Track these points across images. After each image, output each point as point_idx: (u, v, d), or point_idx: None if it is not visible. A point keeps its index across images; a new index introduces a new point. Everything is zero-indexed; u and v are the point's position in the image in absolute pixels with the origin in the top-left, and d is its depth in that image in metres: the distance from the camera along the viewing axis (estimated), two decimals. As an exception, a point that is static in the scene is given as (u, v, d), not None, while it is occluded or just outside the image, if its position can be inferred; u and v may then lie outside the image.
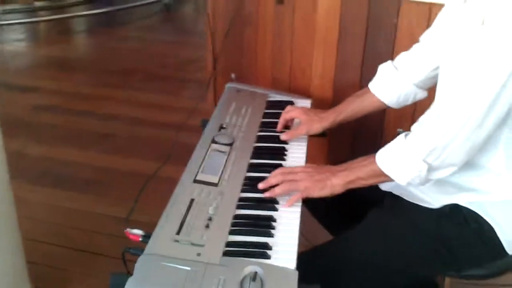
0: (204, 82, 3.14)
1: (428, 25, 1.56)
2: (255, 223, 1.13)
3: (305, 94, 1.82)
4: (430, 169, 1.07)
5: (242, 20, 2.00)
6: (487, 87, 0.98)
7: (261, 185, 1.22)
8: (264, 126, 1.53)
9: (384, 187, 1.32)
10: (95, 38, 4.84)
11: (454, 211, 1.16)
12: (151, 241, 1.04)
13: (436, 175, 1.09)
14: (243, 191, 1.23)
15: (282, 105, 1.64)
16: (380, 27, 1.68)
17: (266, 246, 1.06)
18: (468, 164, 1.10)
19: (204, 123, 1.71)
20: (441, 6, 1.51)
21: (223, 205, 1.16)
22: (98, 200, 2.39)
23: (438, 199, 1.18)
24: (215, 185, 1.23)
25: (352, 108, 1.44)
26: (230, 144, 1.40)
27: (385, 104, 1.42)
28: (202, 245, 1.04)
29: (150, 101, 3.43)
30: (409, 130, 1.67)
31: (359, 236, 1.21)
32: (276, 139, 1.46)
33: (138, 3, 5.25)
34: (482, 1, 1.01)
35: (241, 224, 1.12)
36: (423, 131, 1.08)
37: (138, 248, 1.05)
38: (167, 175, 2.15)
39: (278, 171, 1.24)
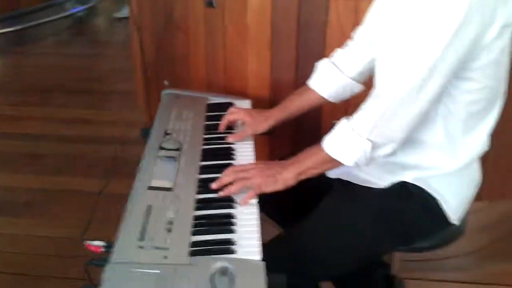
0: (128, 93, 3.15)
1: (355, 20, 1.66)
2: (216, 222, 1.15)
3: (242, 95, 1.85)
4: (373, 146, 1.14)
5: (171, 25, 2.01)
6: (418, 65, 1.05)
7: (214, 185, 1.24)
8: (208, 129, 1.55)
9: (332, 174, 1.37)
10: (7, 58, 4.64)
11: (401, 188, 1.23)
12: (115, 250, 1.03)
13: (379, 153, 1.16)
14: (198, 193, 1.24)
15: (222, 107, 1.67)
16: (311, 24, 1.74)
17: (230, 242, 1.09)
18: (410, 142, 1.18)
19: (145, 132, 1.71)
20: (367, 1, 1.60)
21: (181, 208, 1.17)
22: (37, 223, 2.31)
23: (385, 179, 1.25)
24: (170, 189, 1.23)
25: (295, 105, 1.50)
26: (178, 149, 1.41)
27: (325, 99, 1.48)
28: (167, 248, 1.05)
29: (74, 116, 3.34)
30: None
31: (317, 222, 1.26)
32: (223, 140, 1.49)
33: (48, 18, 5.08)
34: None
35: (202, 224, 1.14)
36: (364, 111, 1.15)
37: (101, 259, 1.04)
38: (109, 191, 2.14)
39: (229, 170, 1.27)
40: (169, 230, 1.10)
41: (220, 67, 1.94)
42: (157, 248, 1.05)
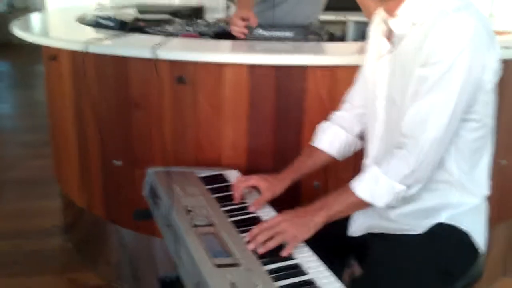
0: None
1: (333, 87, 1.81)
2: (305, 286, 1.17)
3: (216, 165, 1.87)
4: (406, 190, 1.29)
5: (128, 103, 1.98)
6: (443, 111, 1.23)
7: (251, 246, 1.29)
8: (221, 201, 1.55)
9: (357, 231, 1.48)
10: None
11: (438, 230, 1.36)
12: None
13: (409, 193, 1.31)
14: (264, 264, 1.24)
15: (217, 179, 1.69)
16: (289, 92, 1.85)
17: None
18: (432, 184, 1.34)
19: (140, 214, 1.65)
20: (344, 67, 1.78)
21: (263, 281, 1.16)
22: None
23: (420, 225, 1.38)
24: (238, 265, 1.22)
25: (307, 166, 1.59)
26: (212, 225, 1.39)
27: (333, 158, 1.59)
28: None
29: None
30: (322, 182, 1.89)
31: (380, 277, 1.34)
32: (243, 210, 1.50)
33: None
34: (410, 51, 1.28)
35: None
36: (398, 159, 1.29)
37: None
38: None
39: (258, 228, 1.32)
40: (268, 303, 1.09)
41: (190, 141, 1.95)
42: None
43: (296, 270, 1.24)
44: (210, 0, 3.34)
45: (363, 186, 1.32)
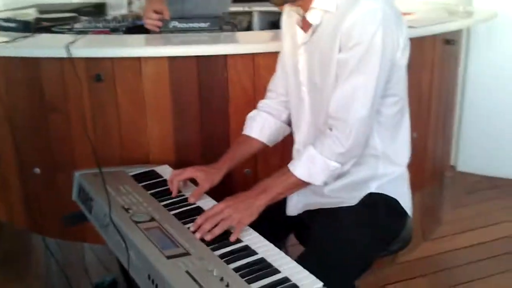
0: None
1: (254, 74, 1.84)
2: (257, 268, 1.18)
3: (143, 163, 1.85)
4: (342, 166, 1.37)
5: (44, 108, 1.89)
6: (368, 90, 1.30)
7: (198, 235, 1.30)
8: (158, 197, 1.53)
9: (295, 210, 1.53)
10: None
11: (369, 199, 1.44)
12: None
13: (345, 169, 1.39)
14: (214, 249, 1.25)
15: (150, 175, 1.67)
16: (212, 83, 1.85)
17: (287, 279, 1.14)
18: (361, 158, 1.41)
19: (71, 219, 1.61)
20: (264, 54, 1.81)
21: (217, 266, 1.17)
22: None
23: (354, 197, 1.45)
24: (188, 254, 1.22)
25: (241, 154, 1.61)
26: (153, 220, 1.38)
27: (265, 144, 1.63)
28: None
29: None
30: (253, 169, 1.92)
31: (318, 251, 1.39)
32: (183, 202, 1.49)
33: None
34: (326, 38, 1.34)
35: (247, 273, 1.16)
36: (331, 138, 1.34)
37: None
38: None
39: (202, 217, 1.33)
40: (228, 286, 1.10)
41: (114, 141, 1.90)
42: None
43: (246, 251, 1.26)
44: (112, -4, 3.24)
45: (300, 166, 1.37)
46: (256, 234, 1.34)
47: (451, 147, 2.95)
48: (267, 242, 1.30)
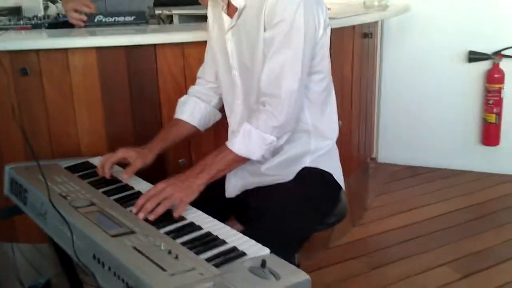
0: None
1: (183, 64, 1.86)
2: (205, 241, 1.19)
3: (75, 155, 1.81)
4: (278, 140, 1.41)
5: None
6: (295, 66, 1.36)
7: (141, 215, 1.29)
8: (95, 185, 1.50)
9: (234, 191, 1.56)
10: None
11: (305, 174, 1.50)
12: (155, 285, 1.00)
13: (281, 142, 1.43)
14: (159, 228, 1.25)
15: (84, 166, 1.65)
16: (142, 73, 1.85)
17: (235, 249, 1.16)
18: (294, 135, 1.47)
19: (6, 212, 1.56)
20: (193, 44, 1.84)
21: (164, 241, 1.17)
22: None
23: (290, 173, 1.50)
24: (134, 232, 1.21)
25: (172, 136, 1.63)
26: (93, 204, 1.36)
27: (197, 129, 1.66)
28: (195, 268, 1.05)
29: None
30: (187, 159, 1.94)
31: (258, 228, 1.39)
32: (120, 188, 1.48)
33: None
34: (251, 19, 1.40)
35: (196, 246, 1.16)
36: (265, 113, 1.39)
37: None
38: None
39: (145, 196, 1.33)
40: (177, 257, 1.10)
41: (44, 135, 1.85)
42: (187, 271, 1.05)
43: (192, 227, 1.26)
44: (28, 0, 3.15)
45: (238, 142, 1.40)
46: (200, 212, 1.35)
47: (373, 137, 3.09)
48: (211, 218, 1.32)
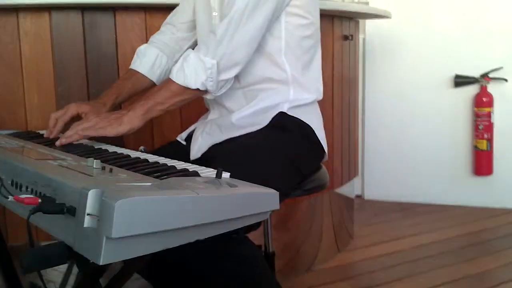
0: None
1: (146, 32, 1.70)
2: (145, 165, 0.99)
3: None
4: (219, 68, 1.20)
5: None
6: None
7: (61, 142, 1.20)
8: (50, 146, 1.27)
9: (199, 152, 1.36)
10: None
11: (282, 120, 1.30)
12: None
13: (227, 75, 1.22)
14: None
15: (29, 133, 1.44)
16: (100, 43, 1.68)
17: (189, 171, 0.95)
18: (269, 83, 1.30)
19: None
20: (155, 10, 1.68)
21: (94, 163, 0.94)
22: None
23: (261, 120, 1.31)
24: (61, 159, 1.00)
25: (126, 89, 1.46)
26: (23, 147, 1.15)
27: (153, 83, 1.49)
28: (129, 176, 0.86)
29: None
30: (149, 146, 1.73)
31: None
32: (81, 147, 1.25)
33: None
34: None
35: (140, 168, 0.95)
36: (208, 36, 1.22)
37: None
38: None
39: (74, 125, 1.23)
40: (111, 171, 0.89)
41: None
42: (121, 179, 0.83)
43: (136, 159, 1.05)
44: None
45: (176, 69, 1.22)
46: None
47: (357, 166, 2.89)
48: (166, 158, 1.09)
